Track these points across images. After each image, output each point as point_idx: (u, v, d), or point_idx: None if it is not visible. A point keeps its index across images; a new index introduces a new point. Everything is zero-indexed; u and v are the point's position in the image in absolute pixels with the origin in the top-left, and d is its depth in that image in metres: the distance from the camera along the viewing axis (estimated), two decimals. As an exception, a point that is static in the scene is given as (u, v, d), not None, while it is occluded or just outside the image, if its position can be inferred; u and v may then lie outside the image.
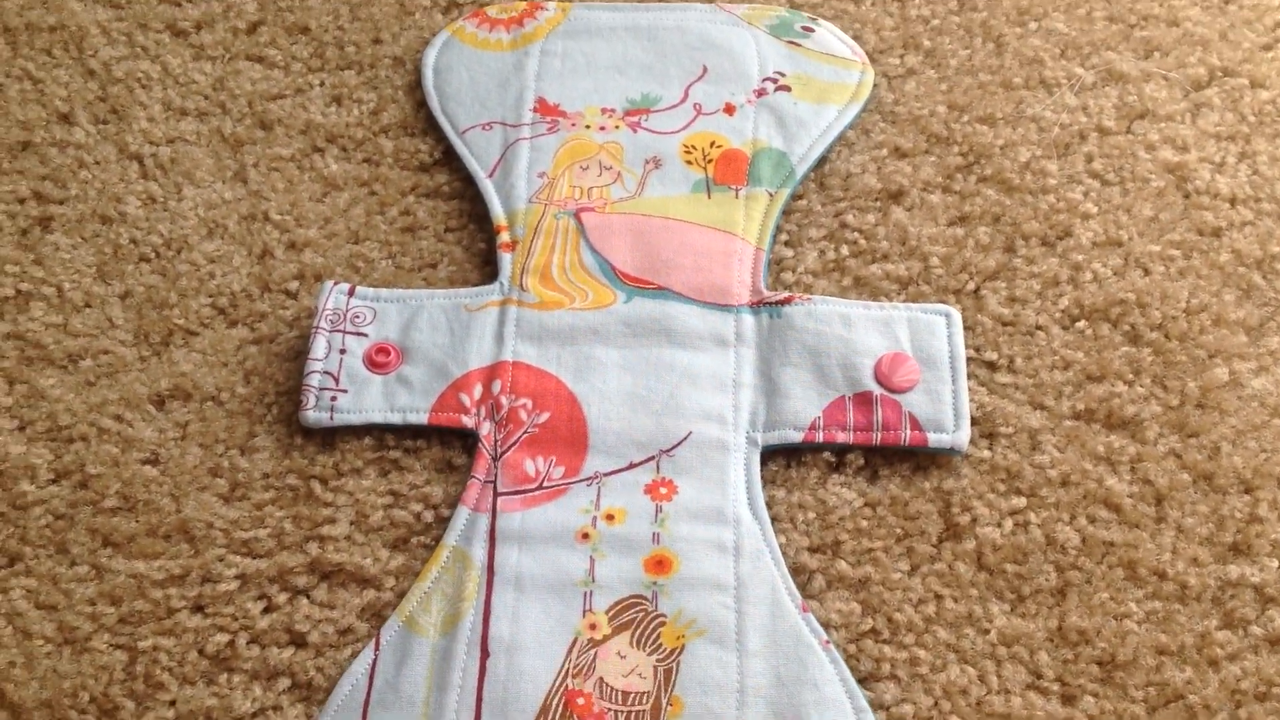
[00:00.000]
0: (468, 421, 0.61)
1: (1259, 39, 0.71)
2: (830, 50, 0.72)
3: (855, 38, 0.73)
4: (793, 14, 0.74)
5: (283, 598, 0.58)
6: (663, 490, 0.59)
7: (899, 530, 0.59)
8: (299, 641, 0.57)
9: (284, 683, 0.56)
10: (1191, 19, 0.72)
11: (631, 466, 0.60)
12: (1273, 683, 0.54)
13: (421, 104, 0.73)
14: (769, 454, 0.61)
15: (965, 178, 0.68)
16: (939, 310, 0.63)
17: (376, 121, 0.73)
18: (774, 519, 0.59)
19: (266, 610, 0.58)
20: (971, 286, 0.65)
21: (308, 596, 0.58)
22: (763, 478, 0.60)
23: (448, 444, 0.62)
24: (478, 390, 0.62)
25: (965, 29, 0.73)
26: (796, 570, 0.58)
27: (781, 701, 0.54)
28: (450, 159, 0.71)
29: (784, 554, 0.58)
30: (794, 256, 0.67)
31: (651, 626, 0.56)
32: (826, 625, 0.57)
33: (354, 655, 0.56)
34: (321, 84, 0.74)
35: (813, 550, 0.59)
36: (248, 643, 0.57)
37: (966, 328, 0.63)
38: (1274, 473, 0.59)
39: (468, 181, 0.70)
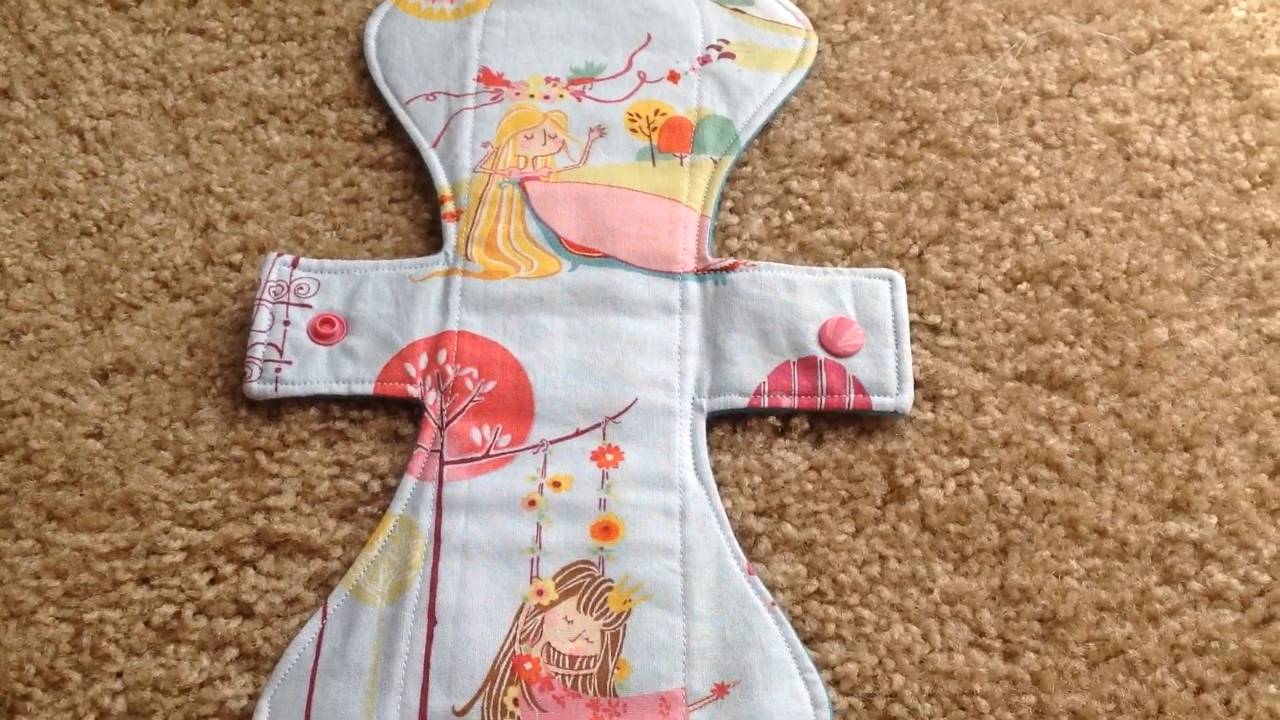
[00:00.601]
0: (413, 391, 0.61)
1: (1200, 1, 0.72)
2: (774, 17, 0.72)
3: (799, 4, 0.73)
4: (737, -19, 0.74)
5: (229, 569, 0.58)
6: (609, 457, 0.59)
7: (844, 493, 0.59)
8: (246, 612, 0.57)
9: (231, 653, 0.56)
10: (1133, -18, 0.73)
11: (578, 434, 0.60)
12: (1211, 637, 0.55)
13: (364, 75, 0.73)
14: (715, 419, 0.61)
15: (909, 143, 0.69)
16: (882, 275, 0.64)
17: (319, 93, 0.72)
18: (720, 484, 0.60)
19: (213, 581, 0.58)
20: (915, 251, 0.65)
21: (254, 567, 0.58)
22: (709, 443, 0.60)
23: (394, 414, 0.62)
24: (423, 360, 0.62)
25: (908, -6, 0.73)
26: (743, 534, 0.59)
27: (727, 663, 0.55)
28: (394, 130, 0.71)
29: (730, 518, 0.59)
30: (739, 223, 0.67)
31: (598, 591, 0.56)
32: (772, 587, 0.57)
33: (301, 625, 0.56)
34: (263, 56, 0.74)
35: (759, 514, 0.59)
36: (194, 614, 0.57)
37: (910, 291, 0.64)
38: (1212, 430, 0.60)
39: (412, 152, 0.70)
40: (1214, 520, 0.58)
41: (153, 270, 0.66)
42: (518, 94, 0.70)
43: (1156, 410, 0.60)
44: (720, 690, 0.54)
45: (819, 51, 0.71)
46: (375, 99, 0.72)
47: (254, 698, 0.55)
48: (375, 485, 0.60)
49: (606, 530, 0.58)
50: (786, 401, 0.61)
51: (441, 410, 0.60)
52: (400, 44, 0.72)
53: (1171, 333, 0.62)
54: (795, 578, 0.58)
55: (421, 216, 0.68)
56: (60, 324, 0.64)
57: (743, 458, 0.60)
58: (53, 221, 0.68)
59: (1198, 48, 0.70)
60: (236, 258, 0.67)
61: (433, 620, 0.55)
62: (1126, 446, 0.60)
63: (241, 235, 0.67)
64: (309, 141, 0.71)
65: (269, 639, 0.56)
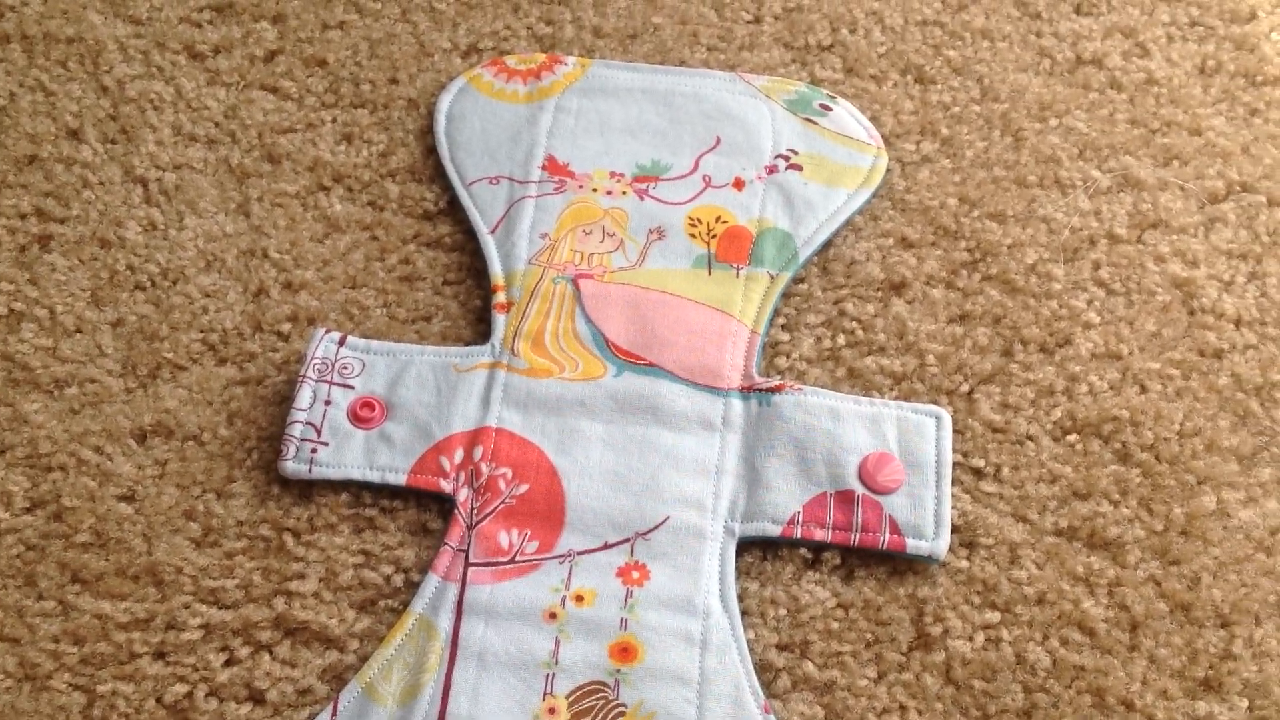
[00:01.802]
0: (446, 486, 0.61)
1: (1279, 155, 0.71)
2: (846, 131, 0.72)
3: (873, 119, 0.73)
4: (812, 90, 0.74)
5: (245, 651, 0.58)
6: (635, 574, 0.59)
7: (869, 635, 0.59)
8: (257, 698, 0.57)
9: (237, 741, 0.56)
10: (1215, 129, 0.71)
11: (606, 547, 0.60)
12: (1232, 828, 0.54)
13: (431, 150, 0.73)
14: (745, 545, 0.60)
15: (970, 274, 0.68)
16: (929, 411, 0.63)
17: (385, 164, 0.72)
18: (745, 612, 0.59)
19: (228, 663, 0.58)
20: (965, 388, 0.64)
21: (270, 652, 0.58)
22: (737, 569, 0.60)
23: (424, 506, 0.62)
24: (459, 455, 0.61)
25: (985, 120, 0.72)
26: (763, 667, 0.58)
27: (733, 805, 0.54)
28: (455, 210, 0.71)
29: (752, 649, 0.58)
30: (790, 341, 0.66)
31: (611, 715, 0.56)
32: (787, 728, 0.56)
33: (311, 718, 0.56)
34: (334, 120, 0.74)
35: (781, 648, 0.58)
36: (206, 695, 0.57)
37: (956, 431, 0.63)
38: (1252, 609, 0.58)
39: (470, 235, 0.69)
40: (1245, 704, 0.56)
41: (201, 332, 0.66)
42: (581, 186, 0.70)
43: (1197, 582, 0.59)
44: (723, 833, 0.53)
45: (888, 170, 0.71)
46: (439, 176, 0.72)
47: (256, 790, 0.55)
48: (399, 579, 0.60)
49: (625, 652, 0.57)
50: (820, 534, 0.60)
51: (472, 509, 0.60)
52: (470, 122, 0.72)
53: (1220, 502, 0.61)
54: (812, 719, 0.57)
55: (473, 303, 0.68)
56: (105, 379, 0.65)
57: (770, 588, 0.59)
58: (109, 272, 0.68)
59: (1275, 204, 0.69)
60: (286, 327, 0.67)
61: (442, 729, 0.55)
62: (1163, 617, 0.58)
63: (293, 305, 0.67)
64: (369, 214, 0.71)
65: (277, 729, 0.56)
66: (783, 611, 0.59)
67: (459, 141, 0.72)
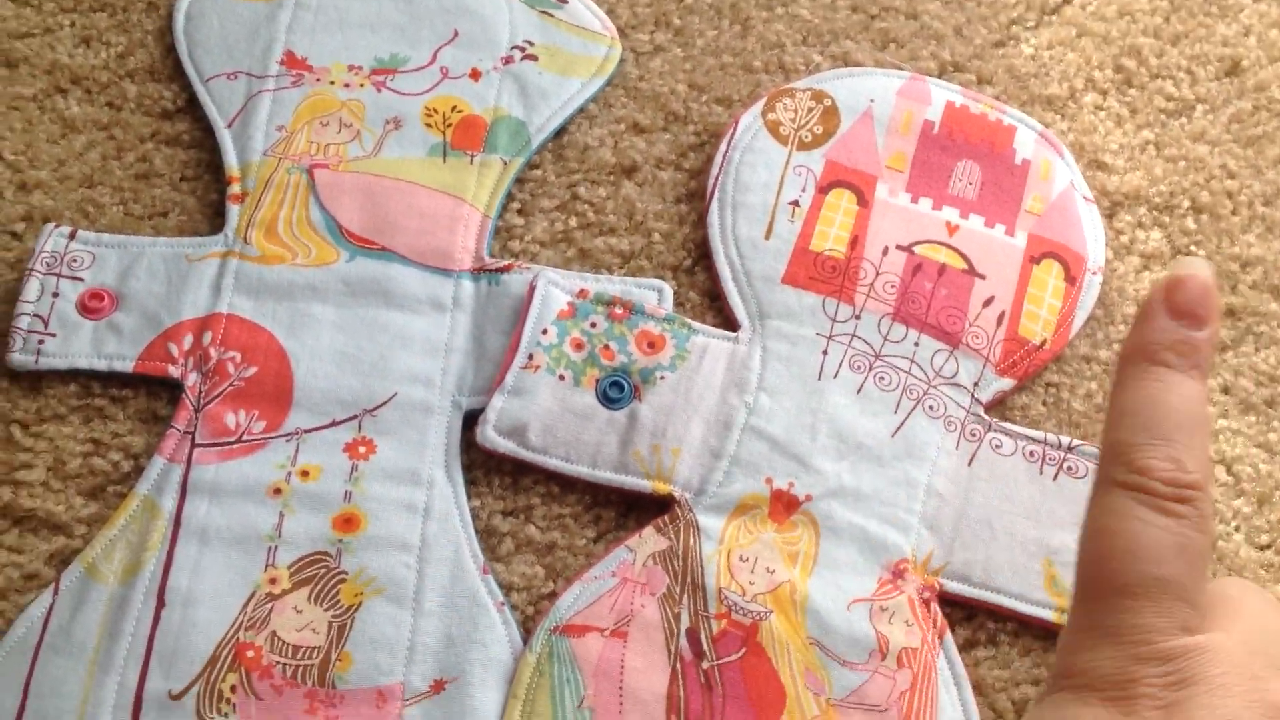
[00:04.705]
0: (174, 372, 0.61)
1: (991, 35, 0.74)
2: (581, 22, 0.73)
3: (609, 12, 0.74)
4: (550, -16, 0.75)
5: (-30, 540, 0.58)
6: (361, 449, 0.60)
7: (588, 498, 0.61)
8: (-18, 584, 0.57)
9: (-41, 625, 0.56)
10: (930, 12, 0.74)
11: (334, 424, 0.61)
12: None
13: (170, 50, 0.72)
14: (474, 417, 0.62)
15: (696, 156, 0.70)
16: (652, 285, 0.65)
17: (123, 65, 0.72)
18: (471, 482, 0.61)
19: (-48, 552, 0.58)
20: (689, 263, 0.66)
21: (-4, 540, 0.58)
22: (465, 441, 0.61)
23: (155, 395, 0.62)
24: (188, 341, 0.62)
25: (715, 9, 0.74)
26: (489, 533, 0.60)
27: (448, 659, 0.56)
28: (194, 108, 0.71)
29: (477, 516, 0.60)
30: (524, 225, 0.68)
31: (331, 583, 0.57)
32: (509, 588, 0.58)
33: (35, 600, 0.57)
34: (72, 24, 0.74)
35: (505, 514, 0.60)
36: (-71, 583, 0.57)
37: (677, 303, 0.65)
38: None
39: (208, 132, 0.70)
40: None
41: (-69, 233, 0.66)
42: (318, 80, 0.70)
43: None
44: (437, 686, 0.55)
45: (621, 60, 0.72)
46: (179, 75, 0.72)
47: (-25, 670, 0.55)
48: (127, 465, 0.60)
49: (348, 522, 0.59)
50: (543, 405, 0.62)
51: (200, 392, 0.61)
52: (209, 21, 0.72)
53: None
54: (533, 579, 0.59)
55: (210, 197, 0.68)
56: None
57: (496, 457, 0.61)
58: None
59: (984, 81, 0.72)
60: (20, 227, 0.66)
61: (161, 603, 0.56)
62: None
63: (27, 205, 0.67)
64: (106, 114, 0.70)
65: (2, 613, 0.57)
66: (507, 480, 0.61)
67: (197, 40, 0.72)
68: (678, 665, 0.56)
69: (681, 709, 0.55)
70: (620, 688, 0.55)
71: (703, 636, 0.56)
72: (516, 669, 0.56)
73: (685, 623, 0.56)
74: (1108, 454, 0.37)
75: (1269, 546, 0.61)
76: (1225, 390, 0.65)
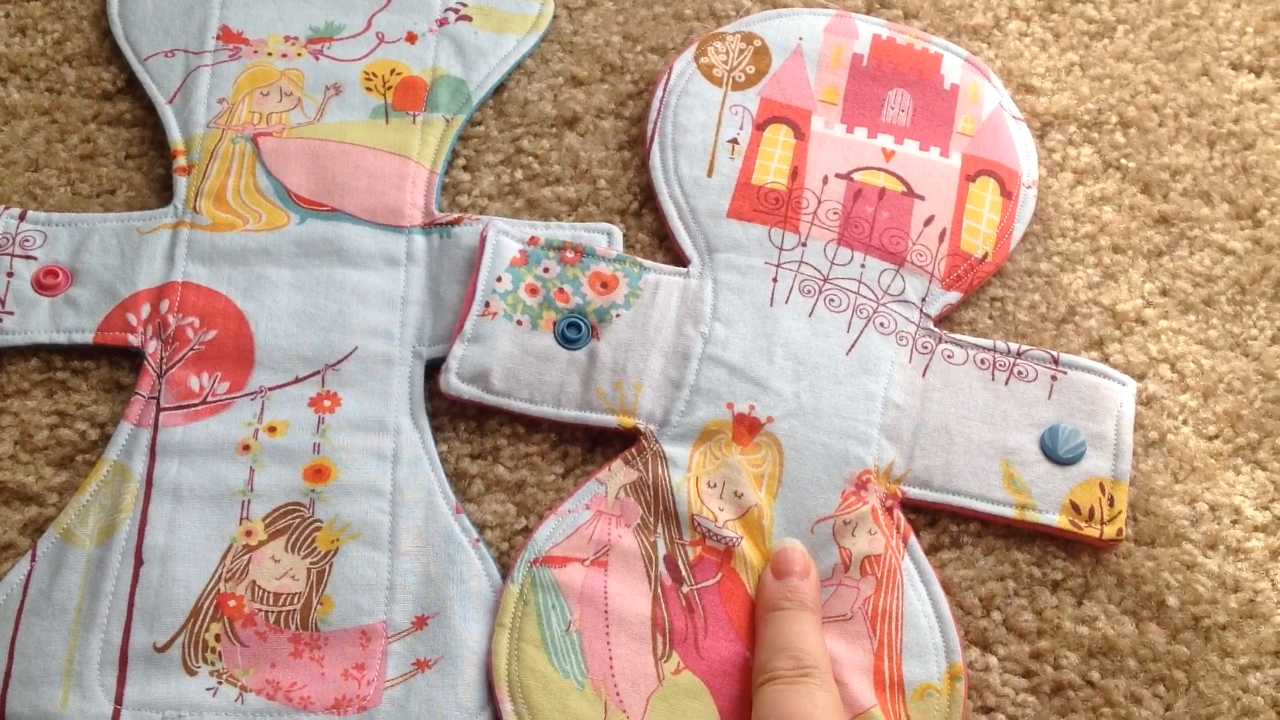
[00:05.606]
0: (134, 340, 0.62)
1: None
2: (513, -18, 0.74)
3: (539, -30, 0.75)
4: (480, -54, 0.76)
5: (-59, 517, 0.58)
6: (326, 403, 0.61)
7: (554, 435, 0.62)
8: (-44, 559, 0.58)
9: (-65, 598, 0.56)
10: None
11: (297, 381, 0.62)
12: None
13: (107, 33, 0.73)
14: (436, 367, 0.63)
15: (635, 103, 0.71)
16: (601, 229, 0.66)
17: (60, 51, 0.72)
18: (437, 429, 0.62)
19: (-76, 529, 0.58)
20: (635, 206, 0.68)
21: (-33, 515, 0.59)
22: (429, 389, 0.62)
23: (117, 365, 0.63)
24: (145, 310, 0.63)
25: (644, -39, 0.76)
26: (458, 475, 0.61)
27: (428, 596, 0.57)
28: (134, 88, 0.71)
29: (445, 461, 0.61)
30: (471, 180, 0.69)
31: (306, 531, 0.58)
32: (482, 526, 0.59)
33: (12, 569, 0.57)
34: (6, 15, 0.74)
35: (474, 457, 0.61)
36: (-98, 561, 0.57)
37: (628, 246, 0.66)
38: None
39: (150, 110, 0.70)
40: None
41: (-122, 224, 0.66)
42: (256, 52, 0.71)
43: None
44: (420, 622, 0.56)
45: (555, 16, 0.73)
46: (116, 57, 0.72)
47: (-43, 640, 0.56)
48: (94, 434, 0.61)
49: (319, 473, 0.59)
50: (503, 349, 0.63)
51: (161, 358, 0.61)
52: (142, 2, 0.73)
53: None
54: (504, 516, 0.60)
55: (156, 172, 0.69)
56: None
57: (460, 403, 0.62)
58: None
59: (910, 15, 0.74)
60: (-33, 213, 0.67)
61: (139, 561, 0.56)
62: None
63: (-28, 191, 0.67)
64: (47, 99, 0.71)
65: (-21, 584, 0.57)
66: (473, 424, 0.62)
67: (132, 21, 0.72)
68: (659, 590, 0.57)
69: (667, 628, 0.56)
70: (605, 611, 0.56)
71: (680, 563, 0.57)
72: (500, 600, 0.57)
73: (662, 550, 0.58)
74: (755, 672, 0.54)
75: (1216, 436, 0.63)
76: (1164, 293, 0.67)
